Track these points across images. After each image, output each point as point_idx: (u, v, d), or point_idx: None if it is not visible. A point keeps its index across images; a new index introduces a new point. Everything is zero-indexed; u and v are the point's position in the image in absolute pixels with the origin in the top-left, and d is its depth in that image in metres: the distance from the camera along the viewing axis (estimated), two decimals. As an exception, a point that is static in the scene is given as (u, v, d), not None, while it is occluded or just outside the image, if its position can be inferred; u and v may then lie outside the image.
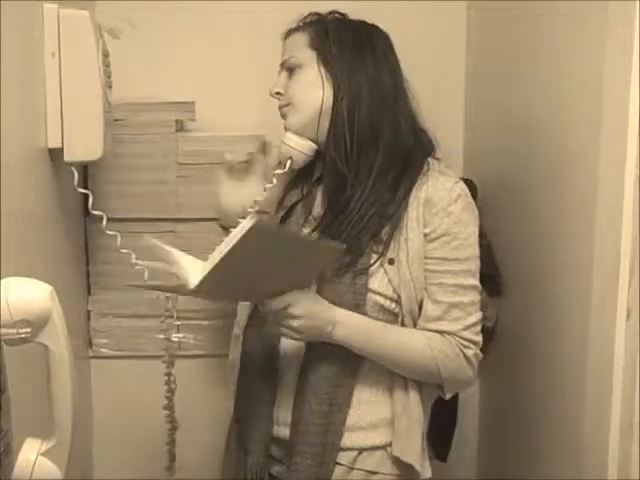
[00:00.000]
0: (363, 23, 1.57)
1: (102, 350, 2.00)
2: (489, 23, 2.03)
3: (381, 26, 1.59)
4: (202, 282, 1.31)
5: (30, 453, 1.06)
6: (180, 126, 1.98)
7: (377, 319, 1.47)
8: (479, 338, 1.48)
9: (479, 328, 1.48)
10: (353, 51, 1.52)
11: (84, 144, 1.60)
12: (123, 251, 1.58)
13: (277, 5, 2.04)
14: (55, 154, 1.60)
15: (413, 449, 1.48)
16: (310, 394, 1.47)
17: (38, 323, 1.02)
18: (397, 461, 1.49)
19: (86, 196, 1.74)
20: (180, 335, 1.98)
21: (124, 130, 1.88)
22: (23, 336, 1.01)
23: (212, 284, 1.32)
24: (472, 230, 1.48)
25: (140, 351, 1.99)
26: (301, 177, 1.62)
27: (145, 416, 1.95)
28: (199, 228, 1.97)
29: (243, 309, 1.63)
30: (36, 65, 1.53)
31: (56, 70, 1.55)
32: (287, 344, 1.51)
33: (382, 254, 1.46)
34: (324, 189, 1.57)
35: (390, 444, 1.50)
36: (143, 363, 1.97)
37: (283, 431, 1.52)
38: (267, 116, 2.02)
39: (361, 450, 1.50)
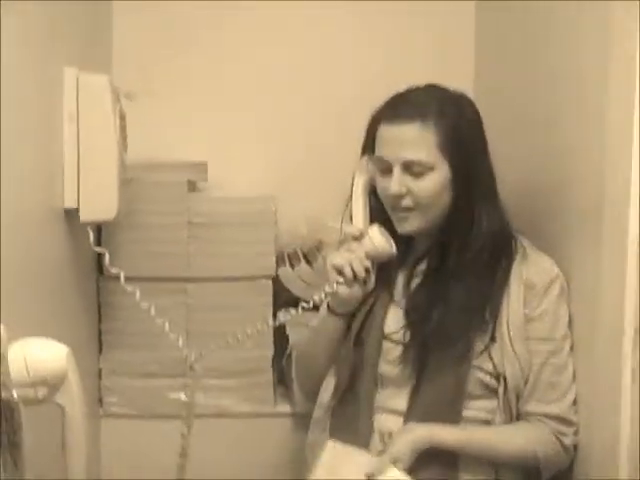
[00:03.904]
0: (467, 100, 1.55)
1: (112, 409, 1.99)
2: (498, 24, 2.04)
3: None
4: None
5: (44, 512, 1.07)
6: (192, 186, 2.00)
7: (476, 395, 1.49)
8: (576, 418, 1.49)
9: (575, 407, 1.50)
10: (477, 146, 1.51)
11: (99, 205, 1.63)
12: (143, 305, 1.59)
13: (290, 67, 2.12)
14: (70, 214, 1.64)
15: None
16: (417, 469, 1.44)
17: (55, 384, 1.04)
18: None
19: (99, 255, 1.77)
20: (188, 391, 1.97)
21: (137, 189, 1.89)
22: (40, 396, 1.03)
23: None
24: (566, 310, 1.51)
25: (151, 410, 1.98)
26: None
27: (154, 476, 1.95)
28: (210, 288, 1.97)
29: (326, 391, 1.63)
30: (55, 127, 1.57)
31: (74, 132, 1.59)
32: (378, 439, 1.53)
33: (485, 333, 1.48)
34: (410, 276, 1.57)
35: None
36: (153, 423, 1.97)
37: None
38: (277, 178, 2.09)
39: None
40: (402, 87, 1.56)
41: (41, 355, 1.03)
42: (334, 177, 2.05)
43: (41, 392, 1.02)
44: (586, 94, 1.46)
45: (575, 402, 1.49)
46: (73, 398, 1.05)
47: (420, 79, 1.57)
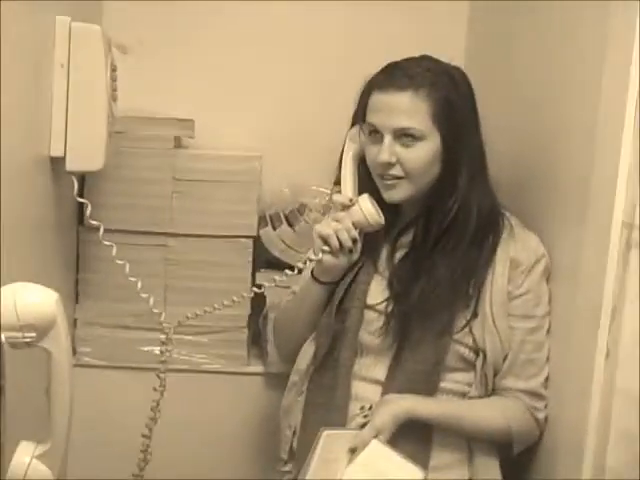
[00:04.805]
0: (461, 73, 1.55)
1: (85, 359, 2.00)
2: (490, 20, 2.06)
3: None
4: None
5: (24, 456, 1.08)
6: (178, 142, 2.00)
7: (454, 368, 1.51)
8: (547, 393, 1.53)
9: (547, 383, 1.53)
10: (469, 120, 1.52)
11: (86, 155, 1.63)
12: (119, 262, 1.60)
13: (279, 26, 2.13)
14: (56, 163, 1.63)
15: None
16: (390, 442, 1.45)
17: (43, 328, 1.05)
18: None
19: (81, 205, 1.77)
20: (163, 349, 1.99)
21: (123, 142, 1.89)
22: (28, 340, 1.04)
23: None
24: (547, 288, 1.54)
25: (123, 362, 1.99)
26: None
27: (123, 427, 1.95)
28: (191, 244, 1.98)
29: (304, 357, 1.63)
30: (44, 74, 1.56)
31: (64, 81, 1.58)
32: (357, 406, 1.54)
33: (467, 307, 1.49)
34: (394, 247, 1.58)
35: None
36: (125, 374, 1.99)
37: None
38: (263, 139, 2.10)
39: None
40: (393, 56, 1.56)
41: (31, 299, 1.04)
42: (320, 141, 2.09)
43: (29, 336, 1.03)
44: (580, 75, 1.47)
45: (547, 378, 1.52)
46: (60, 344, 1.06)
47: (411, 45, 1.58)
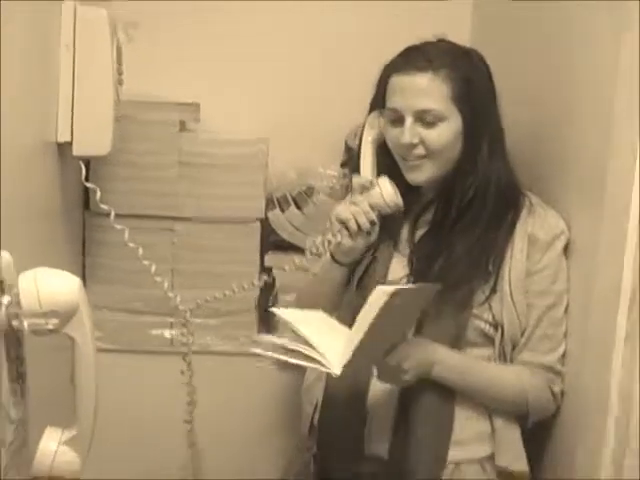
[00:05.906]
0: (478, 54, 1.56)
1: (93, 343, 1.99)
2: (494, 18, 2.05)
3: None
4: (347, 364, 1.33)
5: (51, 442, 1.08)
6: (183, 126, 1.99)
7: (475, 342, 1.52)
8: (565, 369, 1.53)
9: (564, 359, 1.53)
10: (488, 100, 1.53)
11: (93, 139, 1.62)
12: (131, 246, 1.59)
13: (284, 10, 2.10)
14: (63, 148, 1.62)
15: (520, 457, 1.54)
16: (412, 414, 1.49)
17: (66, 314, 1.04)
18: (493, 474, 1.53)
19: (87, 190, 1.76)
20: (173, 332, 1.99)
21: (128, 127, 1.87)
22: (51, 327, 1.02)
23: (353, 363, 1.34)
24: (566, 265, 1.53)
25: (132, 346, 1.99)
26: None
27: (132, 410, 1.97)
28: (197, 228, 1.98)
29: None
30: (50, 59, 1.54)
31: (70, 65, 1.57)
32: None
33: (487, 283, 1.50)
34: (414, 225, 1.59)
35: (487, 457, 1.53)
36: (134, 358, 1.98)
37: (377, 449, 1.53)
38: (269, 122, 2.09)
39: (458, 463, 1.51)
40: (398, 42, 1.54)
41: (53, 286, 1.03)
42: (326, 123, 2.09)
43: (52, 323, 1.02)
44: (597, 53, 1.46)
45: (565, 354, 1.53)
46: (84, 330, 1.05)
47: (415, 32, 1.55)
